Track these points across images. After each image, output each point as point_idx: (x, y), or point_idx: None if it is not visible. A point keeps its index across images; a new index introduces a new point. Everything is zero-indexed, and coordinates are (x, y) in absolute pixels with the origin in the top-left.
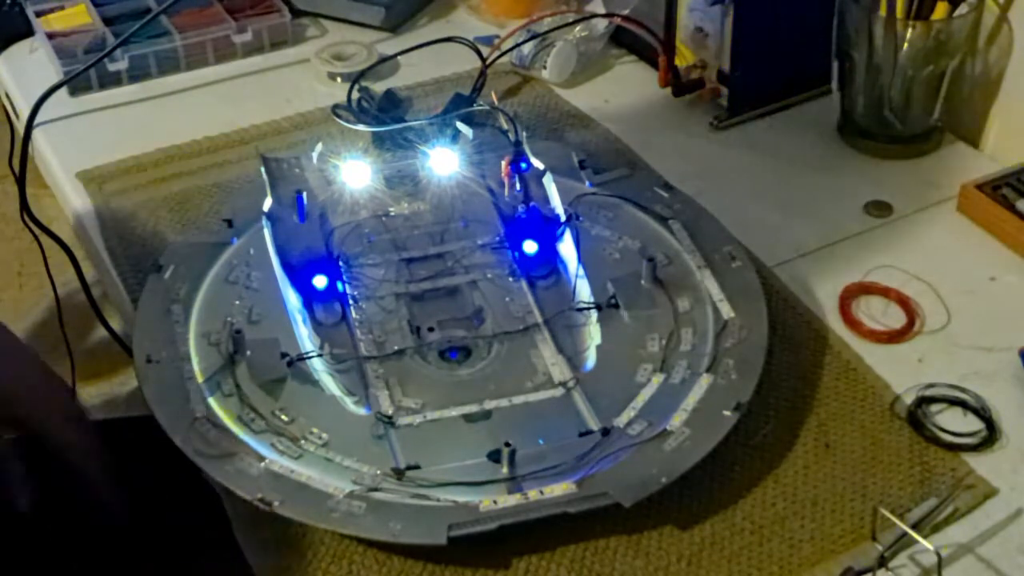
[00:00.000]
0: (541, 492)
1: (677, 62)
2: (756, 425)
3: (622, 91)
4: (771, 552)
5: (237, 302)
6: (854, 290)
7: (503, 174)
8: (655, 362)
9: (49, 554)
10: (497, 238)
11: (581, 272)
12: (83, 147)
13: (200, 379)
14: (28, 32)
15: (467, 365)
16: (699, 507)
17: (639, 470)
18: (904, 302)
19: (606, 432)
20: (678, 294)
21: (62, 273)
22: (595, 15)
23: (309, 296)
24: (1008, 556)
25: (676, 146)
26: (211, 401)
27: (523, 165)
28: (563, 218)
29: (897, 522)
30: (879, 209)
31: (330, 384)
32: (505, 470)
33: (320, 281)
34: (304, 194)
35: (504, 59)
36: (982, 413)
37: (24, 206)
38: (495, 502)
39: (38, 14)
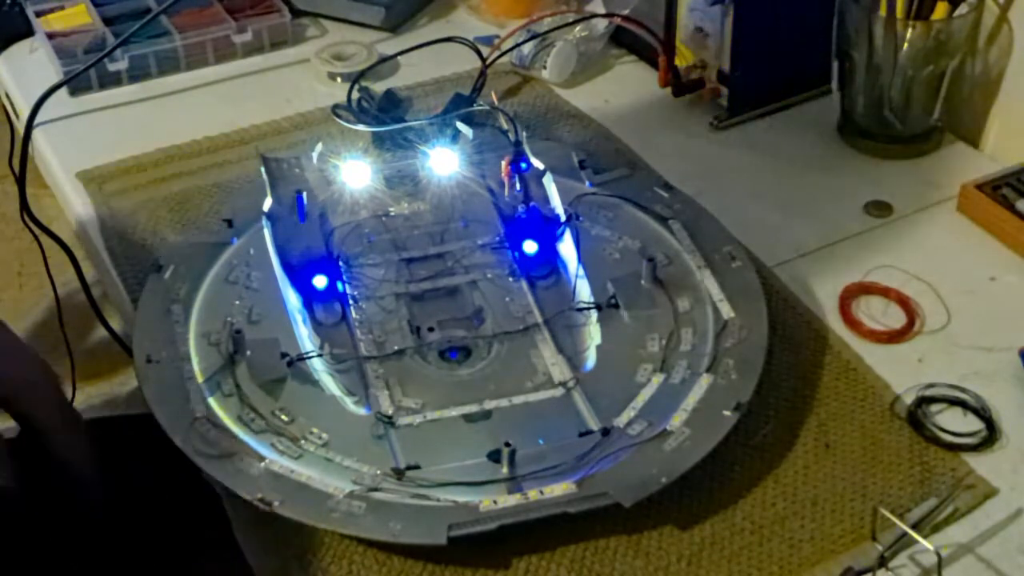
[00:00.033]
0: (541, 492)
1: (677, 62)
2: (756, 425)
3: (622, 91)
4: (771, 552)
5: (237, 302)
6: (854, 290)
7: (503, 174)
8: (655, 362)
9: (30, 537)
10: (497, 238)
11: (581, 272)
12: (83, 147)
13: (200, 379)
14: (28, 32)
15: (467, 365)
16: (699, 507)
17: (639, 470)
18: (904, 302)
19: (606, 432)
20: (678, 294)
21: (62, 273)
22: (595, 15)
23: (309, 296)
24: (1008, 556)
25: (676, 146)
26: (211, 401)
27: (523, 165)
28: (563, 218)
29: (897, 522)
30: (879, 209)
31: (330, 384)
32: (505, 470)
33: (320, 281)
34: (304, 194)
35: (504, 59)
36: (982, 413)
37: (24, 206)
38: (495, 502)
39: (38, 14)
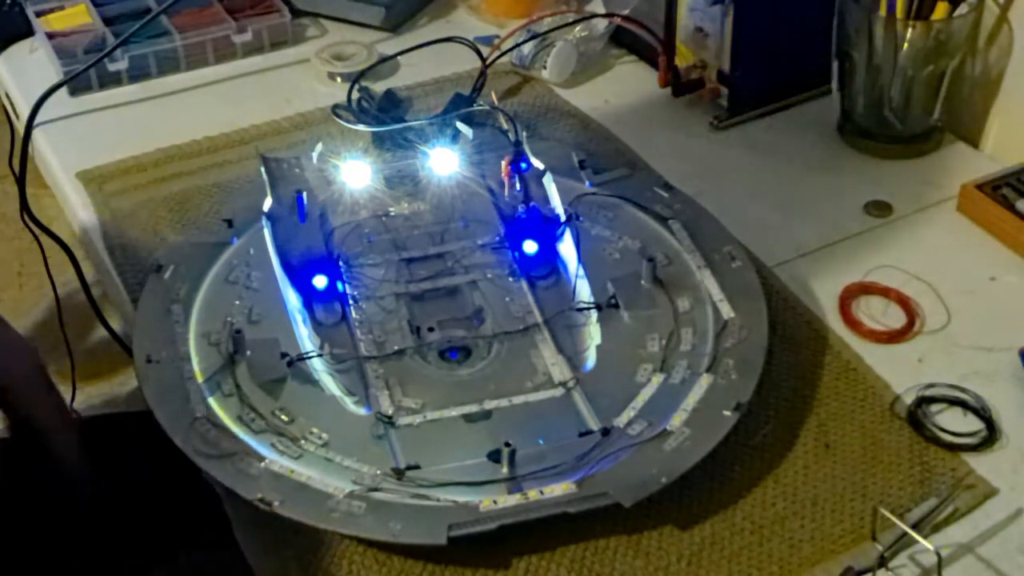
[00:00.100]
0: (541, 492)
1: (677, 62)
2: (756, 425)
3: (622, 91)
4: (771, 552)
5: (237, 302)
6: (854, 290)
7: (503, 174)
8: (655, 362)
9: (25, 533)
10: (497, 238)
11: (581, 272)
12: (83, 147)
13: (200, 379)
14: (28, 32)
15: (467, 365)
16: (699, 507)
17: (639, 470)
18: (904, 302)
19: (606, 432)
20: (678, 294)
21: (62, 273)
22: (595, 15)
23: (309, 296)
24: (1008, 556)
25: (676, 146)
26: (211, 401)
27: (523, 165)
28: (563, 218)
29: (897, 522)
30: (879, 209)
31: (330, 384)
32: (505, 470)
33: (320, 281)
34: (304, 194)
35: (504, 59)
36: (982, 413)
37: (24, 206)
38: (495, 502)
39: (38, 14)
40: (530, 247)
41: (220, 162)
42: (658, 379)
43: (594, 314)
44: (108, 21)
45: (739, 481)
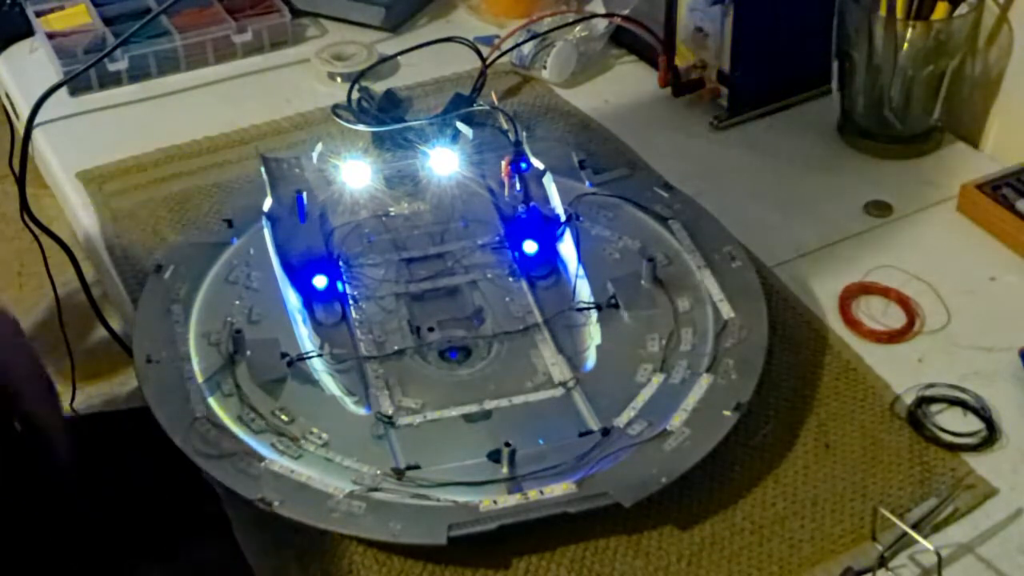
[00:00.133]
0: (541, 492)
1: (677, 62)
2: (756, 425)
3: (622, 91)
4: (771, 552)
5: (237, 302)
6: (854, 290)
7: (503, 174)
8: (655, 362)
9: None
10: (497, 238)
11: (581, 272)
12: (83, 147)
13: (200, 379)
14: (28, 32)
15: (467, 365)
16: (699, 507)
17: (639, 470)
18: (904, 302)
19: (606, 432)
20: (678, 294)
21: (62, 273)
22: (595, 15)
23: (309, 296)
24: (1008, 556)
25: (676, 146)
26: (211, 401)
27: (523, 165)
28: (563, 218)
29: (897, 522)
30: (879, 209)
31: (330, 384)
32: (505, 470)
33: (320, 281)
34: (304, 194)
35: (504, 59)
36: (982, 413)
37: (24, 206)
38: (495, 502)
39: (38, 14)
40: (530, 247)
41: (220, 162)
42: (658, 379)
43: (594, 314)
44: (108, 21)
45: (739, 481)
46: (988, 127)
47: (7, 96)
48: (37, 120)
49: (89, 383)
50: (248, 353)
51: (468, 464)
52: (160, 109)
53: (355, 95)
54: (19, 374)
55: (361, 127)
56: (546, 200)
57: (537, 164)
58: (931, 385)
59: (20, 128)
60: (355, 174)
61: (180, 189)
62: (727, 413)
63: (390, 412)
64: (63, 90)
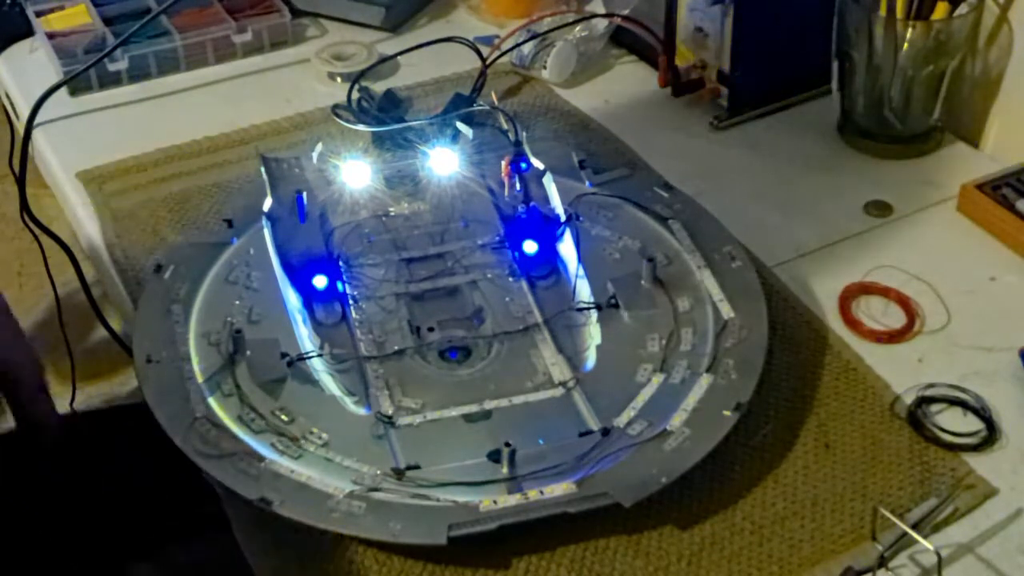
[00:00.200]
0: (541, 492)
1: (677, 62)
2: (756, 425)
3: (622, 91)
4: (771, 552)
5: (237, 302)
6: (854, 290)
7: (503, 174)
8: (655, 362)
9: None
10: (497, 238)
11: (581, 272)
12: (83, 147)
13: (200, 379)
14: (28, 32)
15: (467, 365)
16: (699, 507)
17: (639, 470)
18: (904, 302)
19: (606, 432)
20: (678, 294)
21: (62, 273)
22: (595, 15)
23: (309, 296)
24: (1008, 556)
25: (676, 146)
26: (211, 401)
27: (523, 165)
28: (563, 218)
29: (897, 522)
30: (879, 209)
31: (330, 384)
32: (505, 470)
33: (320, 281)
34: (304, 194)
35: (504, 59)
36: (982, 413)
37: (24, 206)
38: (495, 502)
39: (38, 14)
40: (530, 247)
41: (220, 162)
42: (658, 379)
43: (594, 314)
44: (108, 21)
45: (739, 481)
46: (988, 127)
47: (7, 96)
48: (37, 120)
49: (89, 383)
50: (248, 353)
51: (468, 464)
52: (160, 109)
53: (355, 95)
54: (22, 369)
55: (361, 127)
56: (546, 200)
57: (537, 164)
58: (931, 385)
59: (20, 128)
60: (355, 174)
61: (180, 189)
62: (727, 413)
63: (390, 412)
64: (63, 90)
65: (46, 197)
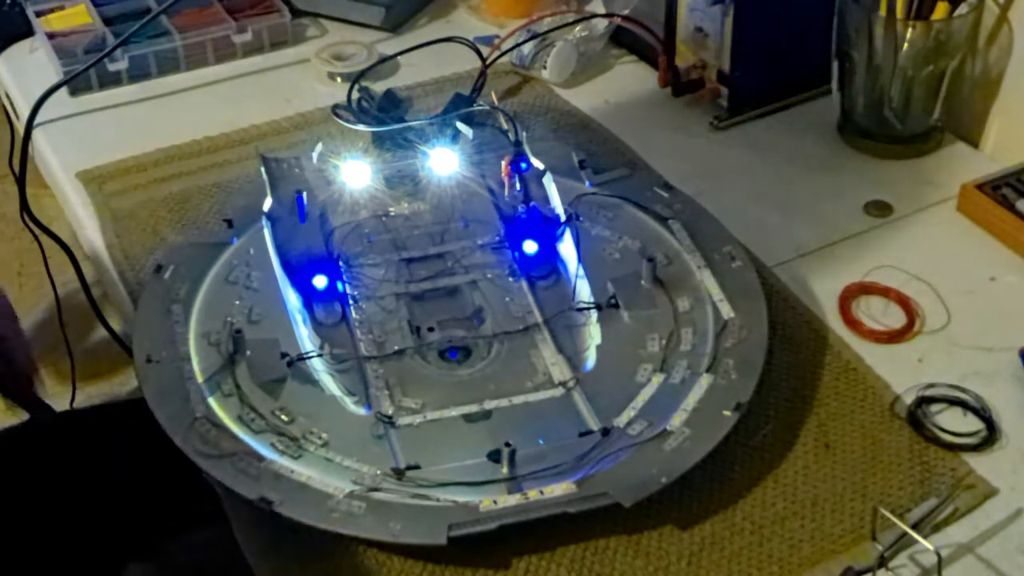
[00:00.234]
0: (541, 492)
1: (677, 62)
2: (756, 425)
3: (622, 91)
4: (771, 552)
5: (237, 302)
6: (854, 290)
7: (503, 174)
8: (655, 362)
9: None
10: (497, 238)
11: (581, 272)
12: (83, 147)
13: (200, 379)
14: (28, 32)
15: (467, 365)
16: (699, 507)
17: (639, 470)
18: (904, 302)
19: (606, 432)
20: (678, 294)
21: (62, 273)
22: (595, 15)
23: (309, 296)
24: (1008, 556)
25: (676, 146)
26: (211, 401)
27: (523, 165)
28: (563, 218)
29: (897, 522)
30: (879, 209)
31: (330, 384)
32: (505, 470)
33: (320, 281)
34: (304, 194)
35: (504, 59)
36: (982, 413)
37: (24, 206)
38: (495, 502)
39: (38, 14)
40: (530, 247)
41: (220, 162)
42: (658, 379)
43: (594, 314)
44: (108, 21)
45: (739, 481)
46: (988, 127)
47: (7, 96)
48: (37, 120)
49: (89, 383)
50: (248, 353)
51: (468, 464)
52: (160, 109)
53: (355, 95)
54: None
55: (361, 127)
56: (546, 200)
57: (537, 164)
58: (931, 385)
59: (20, 128)
60: (355, 174)
61: (180, 189)
62: (727, 413)
63: (390, 412)
64: (63, 90)
65: (46, 197)
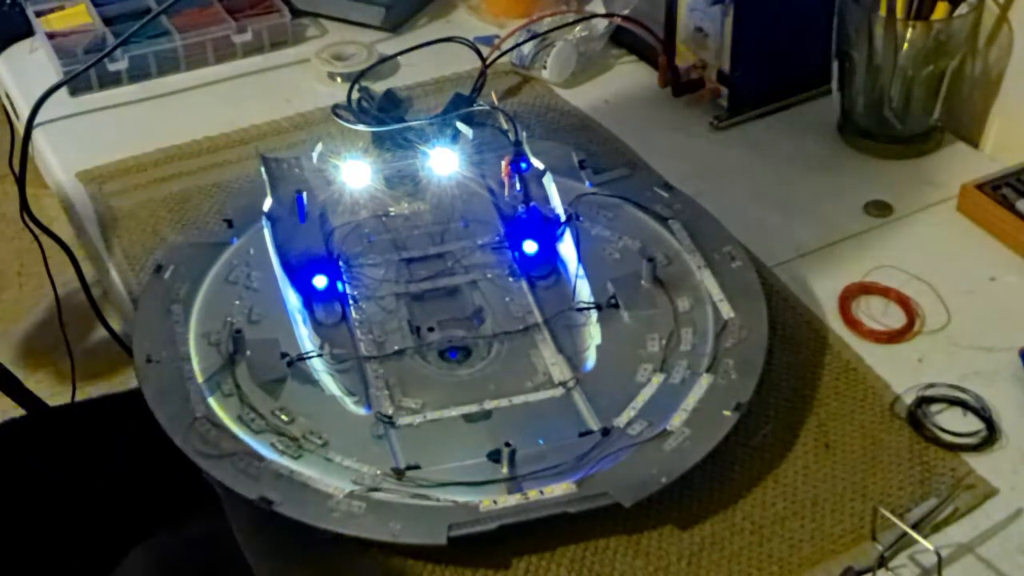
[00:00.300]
0: (541, 492)
1: (677, 62)
2: (756, 425)
3: (622, 91)
4: (771, 552)
5: (237, 302)
6: (854, 290)
7: (503, 174)
8: (655, 362)
9: None
10: (497, 238)
11: (581, 272)
12: (83, 147)
13: (200, 379)
14: (28, 32)
15: (467, 365)
16: (699, 507)
17: (639, 470)
18: (904, 302)
19: (606, 432)
20: (678, 294)
21: (62, 273)
22: (595, 15)
23: (309, 296)
24: (1008, 556)
25: (676, 146)
26: (211, 401)
27: (523, 165)
28: (563, 218)
29: (897, 522)
30: (879, 209)
31: (330, 384)
32: (505, 470)
33: (320, 281)
34: (304, 194)
35: (504, 59)
36: (982, 413)
37: (24, 206)
38: (495, 502)
39: (38, 14)
40: (530, 247)
41: (220, 162)
42: (658, 379)
43: (594, 314)
44: (108, 21)
45: (739, 481)
46: (988, 127)
47: (7, 96)
48: (37, 120)
49: (89, 383)
50: (248, 353)
51: (468, 464)
52: (160, 109)
53: (355, 95)
54: None
55: (361, 127)
56: (546, 200)
57: (537, 164)
58: (931, 385)
59: (20, 128)
60: (355, 174)
61: (180, 189)
62: (727, 413)
63: (390, 412)
64: (63, 90)
65: (46, 197)
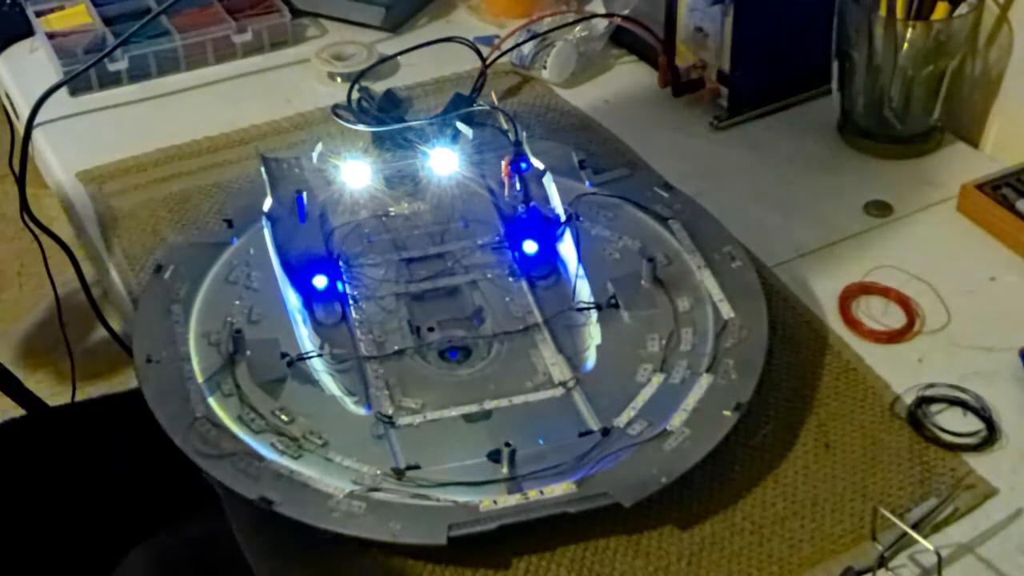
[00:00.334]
0: (541, 492)
1: (677, 62)
2: (756, 425)
3: (622, 91)
4: (771, 552)
5: (237, 302)
6: (854, 290)
7: (503, 174)
8: (655, 362)
9: None
10: (497, 238)
11: (581, 272)
12: (83, 147)
13: (200, 379)
14: (28, 32)
15: (467, 365)
16: (699, 507)
17: (639, 470)
18: (904, 302)
19: (606, 432)
20: (678, 294)
21: (62, 273)
22: (595, 15)
23: (309, 296)
24: (1008, 556)
25: (676, 146)
26: (211, 401)
27: (523, 165)
28: (563, 218)
29: (897, 522)
30: (879, 209)
31: (330, 384)
32: (505, 470)
33: (320, 281)
34: (304, 194)
35: (504, 59)
36: (982, 413)
37: (24, 206)
38: (495, 502)
39: (38, 14)
40: (530, 247)
41: (220, 162)
42: (658, 379)
43: (594, 314)
44: (108, 21)
45: (739, 481)
46: (988, 127)
47: (7, 96)
48: (37, 120)
49: (89, 383)
50: (248, 353)
51: (468, 464)
52: (160, 109)
53: (355, 95)
54: None
55: (361, 127)
56: (546, 200)
57: (537, 164)
58: (931, 385)
59: (20, 128)
60: (355, 174)
61: (180, 189)
62: (727, 413)
63: (390, 412)
64: (63, 90)
65: (46, 197)
